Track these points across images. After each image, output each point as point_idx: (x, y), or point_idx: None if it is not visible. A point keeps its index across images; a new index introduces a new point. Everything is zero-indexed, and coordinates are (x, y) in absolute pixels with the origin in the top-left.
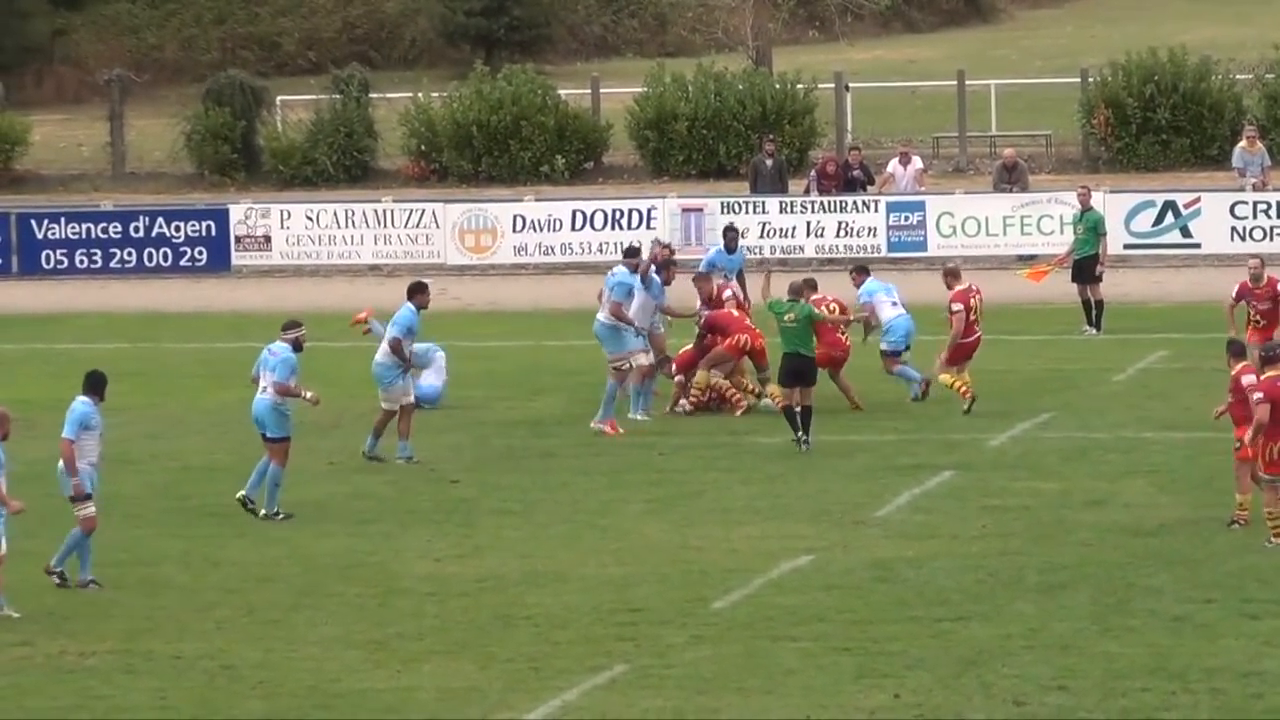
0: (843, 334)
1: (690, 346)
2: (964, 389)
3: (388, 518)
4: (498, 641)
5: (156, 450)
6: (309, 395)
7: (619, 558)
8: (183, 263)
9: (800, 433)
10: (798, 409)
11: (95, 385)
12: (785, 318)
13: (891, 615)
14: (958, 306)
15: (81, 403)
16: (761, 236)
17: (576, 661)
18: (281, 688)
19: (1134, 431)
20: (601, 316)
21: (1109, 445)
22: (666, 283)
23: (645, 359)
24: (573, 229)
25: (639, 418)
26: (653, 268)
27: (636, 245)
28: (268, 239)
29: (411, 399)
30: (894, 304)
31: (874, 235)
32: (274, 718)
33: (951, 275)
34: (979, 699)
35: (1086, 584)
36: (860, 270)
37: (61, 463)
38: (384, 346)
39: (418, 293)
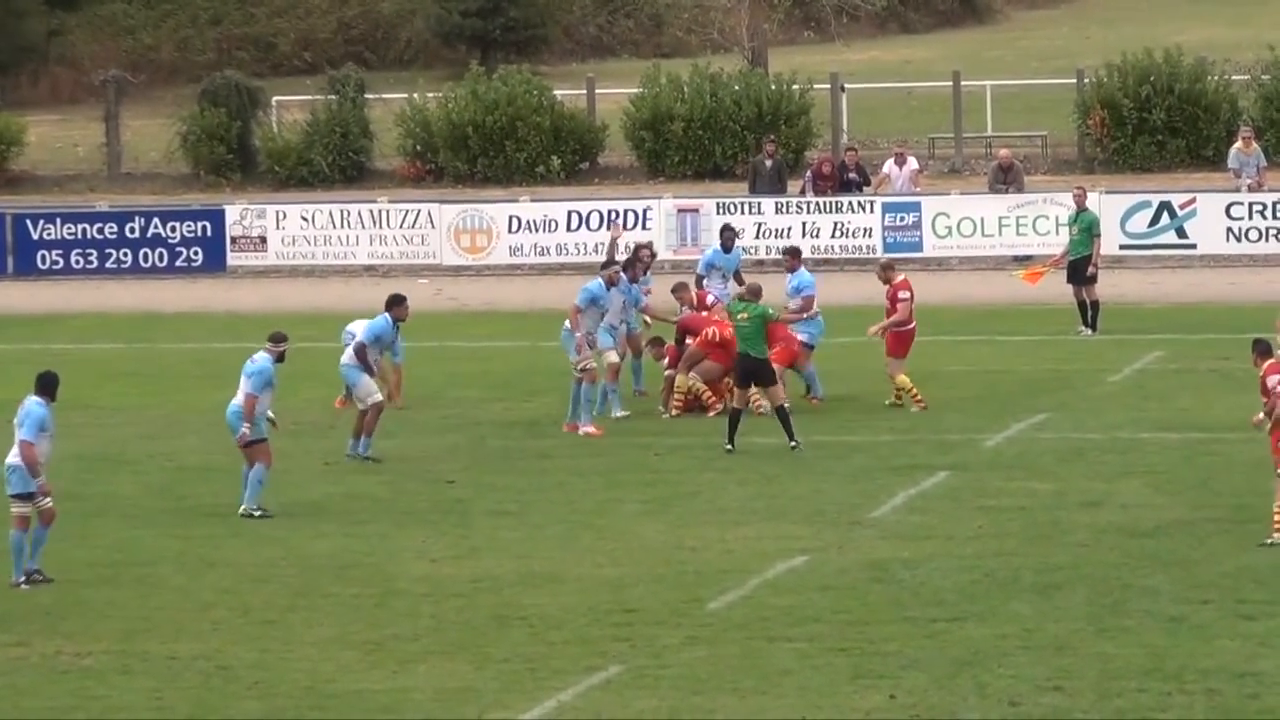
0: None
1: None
2: (918, 397)
3: (383, 518)
4: (493, 642)
5: (153, 450)
6: (246, 429)
7: (614, 558)
8: (178, 263)
9: (734, 439)
10: (767, 411)
11: (47, 386)
12: (739, 317)
13: (887, 616)
14: (905, 295)
15: (37, 404)
16: (757, 237)
17: (572, 662)
18: (277, 688)
19: (1130, 432)
20: (567, 323)
21: (1105, 446)
22: (633, 280)
23: (614, 357)
24: (568, 230)
25: (621, 415)
26: (622, 274)
27: (614, 259)
28: (263, 239)
29: (379, 398)
30: None
31: (869, 236)
32: (270, 718)
33: (889, 269)
34: (974, 699)
35: (1082, 584)
36: (793, 254)
37: (21, 463)
38: (349, 351)
39: (395, 305)
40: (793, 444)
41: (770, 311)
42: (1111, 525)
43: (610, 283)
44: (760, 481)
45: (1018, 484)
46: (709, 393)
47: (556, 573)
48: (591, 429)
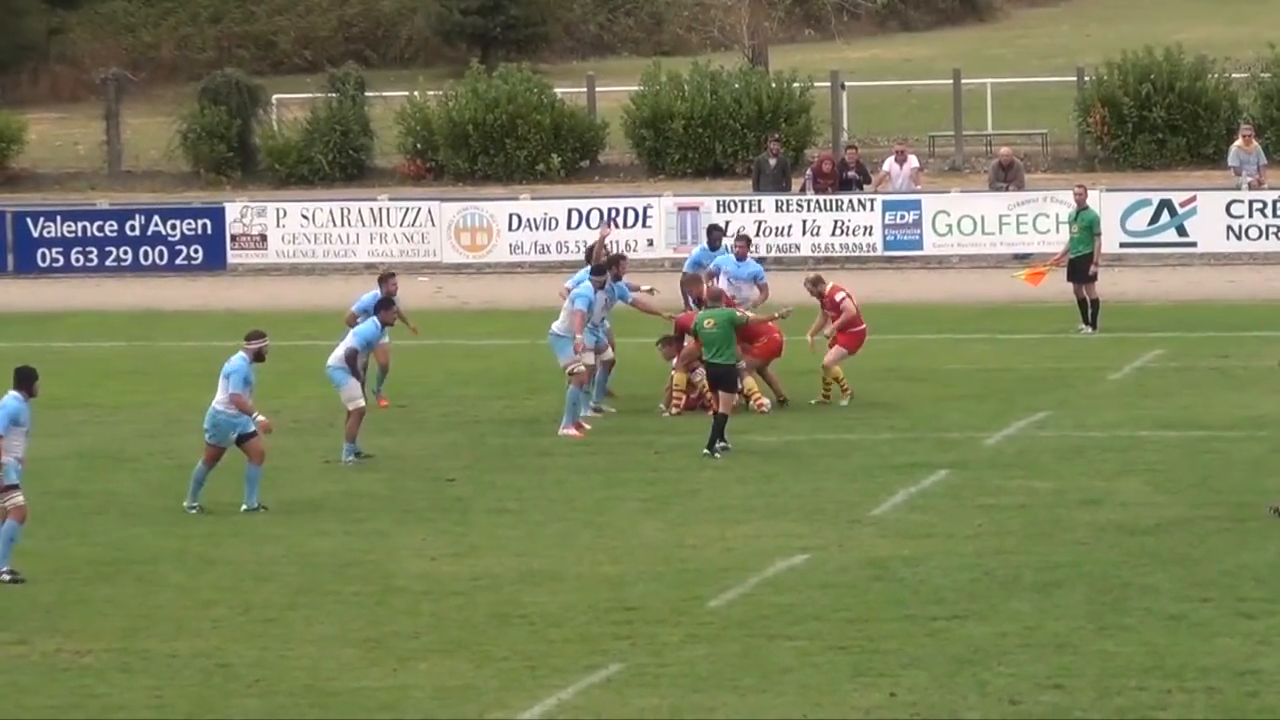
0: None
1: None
2: (846, 388)
3: (383, 516)
4: (493, 640)
5: (152, 448)
6: (260, 419)
7: (614, 556)
8: (178, 261)
9: (727, 438)
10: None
11: (24, 381)
12: (705, 324)
13: (887, 614)
14: (842, 294)
15: (13, 398)
16: (758, 235)
17: (572, 660)
18: (277, 686)
19: (1130, 430)
20: (556, 326)
21: (1105, 444)
22: (617, 278)
23: (589, 358)
24: (568, 227)
25: (586, 412)
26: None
27: (604, 263)
28: (263, 237)
29: (362, 404)
30: None
31: (870, 234)
32: (270, 716)
33: (819, 282)
34: (974, 697)
35: (1082, 582)
36: (745, 242)
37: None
38: (339, 352)
39: (383, 309)
40: (708, 450)
41: (737, 315)
42: (1111, 523)
43: (600, 287)
44: (760, 480)
45: (1018, 482)
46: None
47: (556, 571)
48: (572, 430)
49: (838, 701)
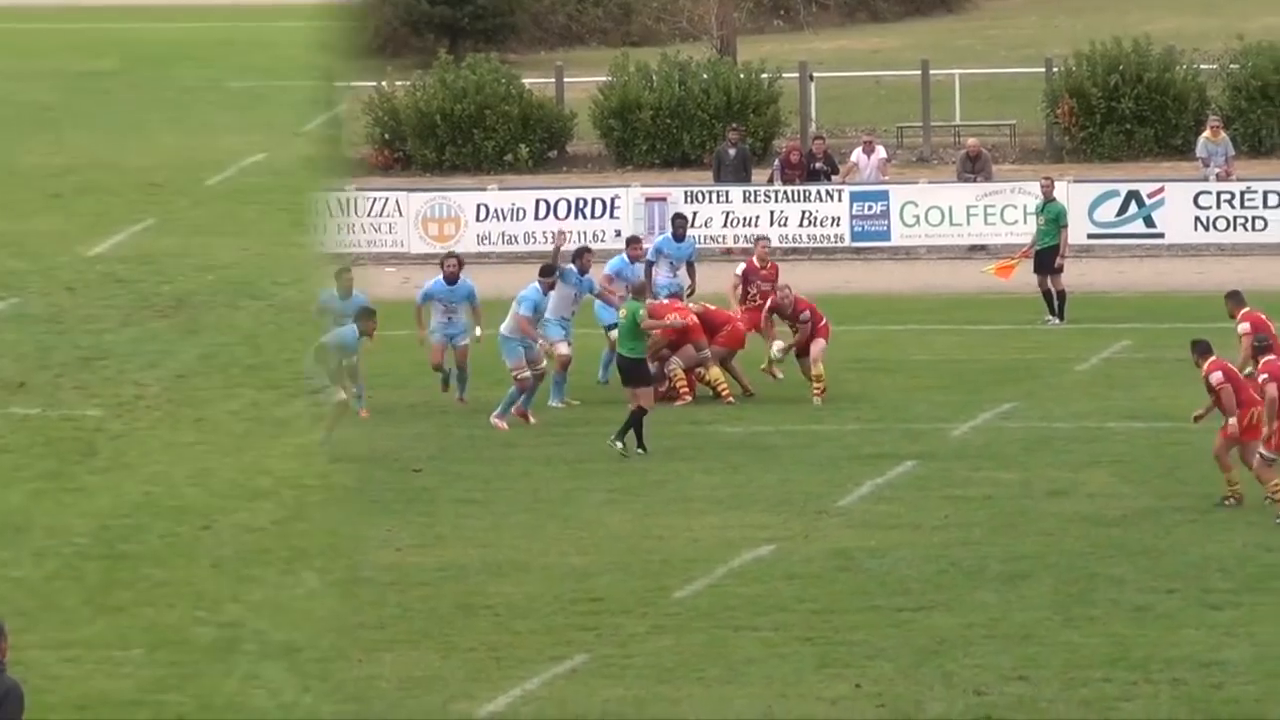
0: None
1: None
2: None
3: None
4: (459, 631)
5: None
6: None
7: (580, 547)
8: None
9: (622, 435)
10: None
11: None
12: (619, 314)
13: (853, 605)
14: (805, 310)
15: None
16: (725, 226)
17: (537, 651)
18: None
19: (1097, 421)
20: (503, 329)
21: (1071, 435)
22: (582, 272)
23: (565, 349)
24: (536, 218)
25: (557, 405)
26: (572, 265)
27: (553, 265)
28: None
29: (341, 394)
30: None
31: (837, 224)
32: None
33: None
34: (940, 688)
35: (1048, 574)
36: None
37: None
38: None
39: (366, 318)
40: (638, 448)
41: (641, 311)
42: (1078, 514)
43: (549, 289)
44: (726, 470)
45: (984, 473)
46: (683, 380)
47: (522, 561)
48: (503, 423)
49: (803, 693)
